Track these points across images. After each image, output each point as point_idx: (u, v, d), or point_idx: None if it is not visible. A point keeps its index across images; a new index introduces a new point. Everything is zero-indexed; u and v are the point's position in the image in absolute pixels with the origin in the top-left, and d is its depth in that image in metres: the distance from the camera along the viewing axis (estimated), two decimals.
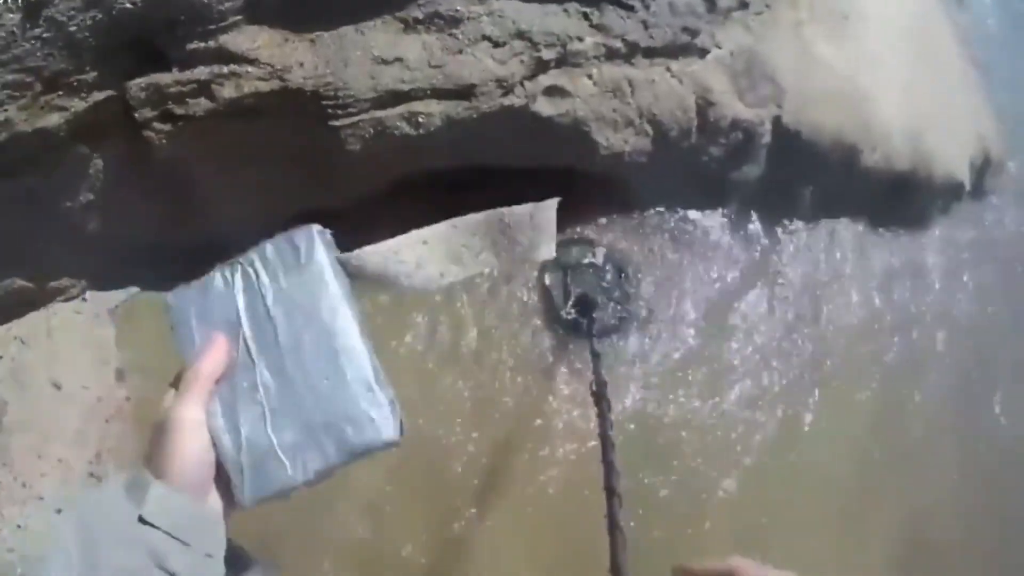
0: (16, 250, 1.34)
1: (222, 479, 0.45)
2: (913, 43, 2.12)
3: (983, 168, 2.19)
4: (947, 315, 1.97)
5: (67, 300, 1.42)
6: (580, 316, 1.58)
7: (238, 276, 0.47)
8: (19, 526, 1.38)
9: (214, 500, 0.46)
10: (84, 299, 1.43)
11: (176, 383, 0.48)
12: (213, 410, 0.46)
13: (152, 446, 0.45)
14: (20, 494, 1.38)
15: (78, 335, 1.40)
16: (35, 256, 1.35)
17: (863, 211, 1.98)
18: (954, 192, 2.07)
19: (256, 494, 0.44)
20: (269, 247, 0.47)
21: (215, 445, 0.45)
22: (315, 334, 0.46)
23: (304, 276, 0.46)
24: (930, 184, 1.97)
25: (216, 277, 0.47)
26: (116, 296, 1.45)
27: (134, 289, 1.46)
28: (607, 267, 1.68)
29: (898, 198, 1.96)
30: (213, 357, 0.47)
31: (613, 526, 0.88)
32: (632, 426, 1.59)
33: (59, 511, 1.38)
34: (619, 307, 1.66)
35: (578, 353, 1.59)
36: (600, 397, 1.23)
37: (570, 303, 1.60)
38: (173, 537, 0.43)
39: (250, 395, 0.46)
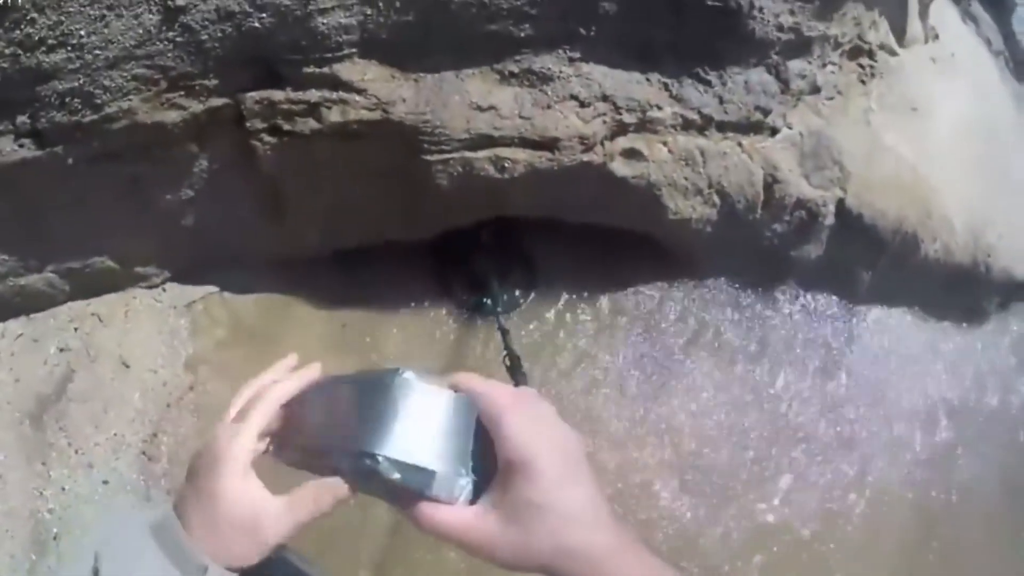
0: (111, 231, 1.44)
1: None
2: (980, 139, 2.15)
3: None
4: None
5: (149, 288, 1.51)
6: (483, 296, 1.64)
7: None
8: (64, 489, 1.45)
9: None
10: (164, 290, 1.52)
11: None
12: None
13: (229, 520, 0.46)
14: (72, 459, 1.46)
15: (153, 322, 1.49)
16: (127, 240, 1.45)
17: (920, 300, 1.98)
18: (1013, 290, 2.06)
19: None
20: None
21: None
22: None
23: None
24: (988, 279, 1.97)
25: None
26: (195, 292, 1.53)
27: (213, 289, 1.55)
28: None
29: (955, 291, 1.96)
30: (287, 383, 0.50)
31: None
32: None
33: (105, 482, 1.45)
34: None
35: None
36: (515, 370, 1.29)
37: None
38: None
39: None
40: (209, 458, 0.48)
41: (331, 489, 0.48)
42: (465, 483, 0.46)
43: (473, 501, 0.46)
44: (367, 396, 0.48)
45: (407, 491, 0.45)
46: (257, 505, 0.47)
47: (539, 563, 0.43)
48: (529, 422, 0.45)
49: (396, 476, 0.45)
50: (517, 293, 1.71)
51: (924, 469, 1.79)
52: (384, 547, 1.42)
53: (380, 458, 0.45)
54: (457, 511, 0.45)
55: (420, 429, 0.46)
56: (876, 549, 1.66)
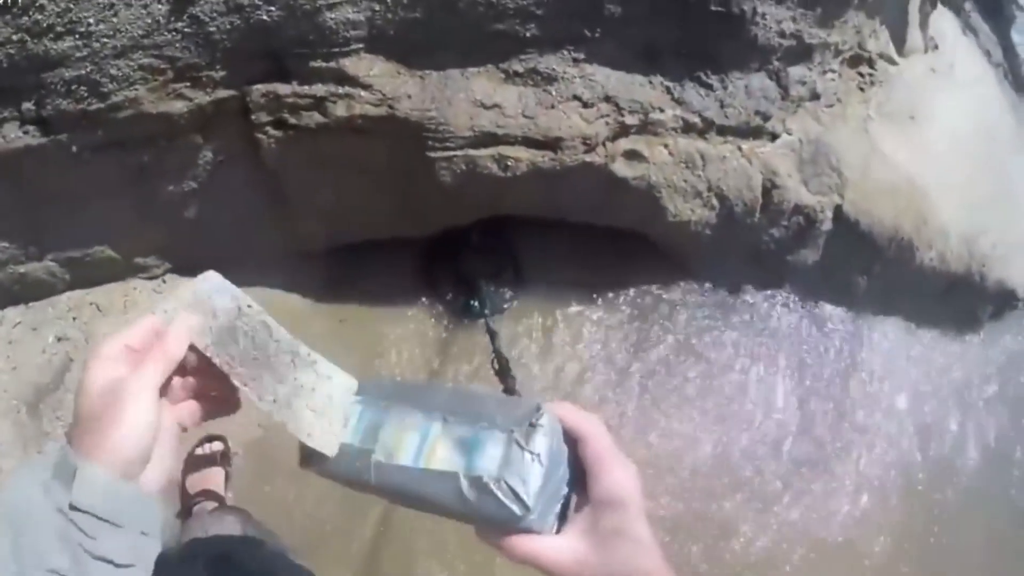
0: (113, 220, 1.44)
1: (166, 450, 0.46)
2: (977, 149, 2.18)
3: None
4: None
5: (149, 278, 1.51)
6: (471, 298, 1.63)
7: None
8: None
9: (151, 474, 0.45)
10: (164, 281, 1.52)
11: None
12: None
13: (89, 406, 0.43)
14: None
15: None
16: (129, 230, 1.45)
17: (914, 308, 2.00)
18: (1006, 299, 2.09)
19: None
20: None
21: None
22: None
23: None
24: (982, 289, 1.99)
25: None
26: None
27: None
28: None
29: (950, 299, 1.99)
30: (180, 341, 0.47)
31: None
32: None
33: None
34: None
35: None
36: (504, 373, 1.30)
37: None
38: (104, 520, 0.42)
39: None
40: (102, 391, 0.45)
41: (179, 327, 0.47)
42: (557, 513, 0.48)
43: (557, 526, 0.49)
44: (492, 419, 0.47)
45: (501, 523, 0.46)
46: (111, 381, 0.44)
47: None
48: (627, 468, 0.49)
49: (509, 512, 0.45)
50: (505, 294, 1.70)
51: None
52: (370, 546, 1.43)
53: (498, 492, 0.45)
54: (548, 540, 0.48)
55: (542, 467, 0.46)
56: None
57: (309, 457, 0.51)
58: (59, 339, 1.51)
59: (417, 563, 1.42)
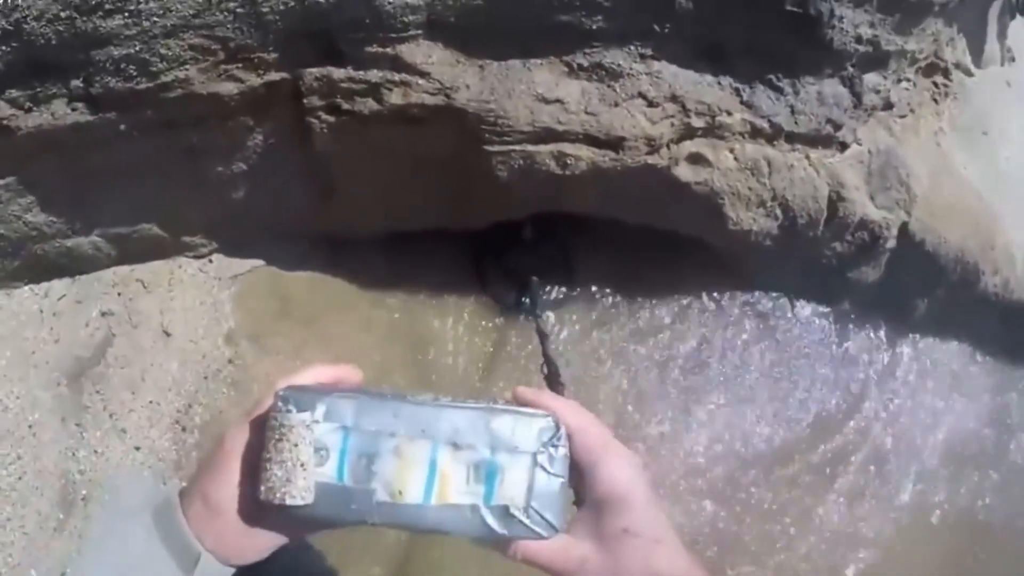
0: (161, 199, 1.43)
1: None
2: None
3: None
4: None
5: (195, 257, 1.50)
6: (523, 294, 1.57)
7: None
8: (96, 452, 1.45)
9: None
10: (210, 260, 1.51)
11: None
12: None
13: (207, 469, 0.49)
14: (106, 423, 1.46)
15: (197, 292, 1.48)
16: (176, 209, 1.44)
17: (972, 334, 1.91)
18: None
19: None
20: None
21: None
22: None
23: None
24: None
25: None
26: (241, 264, 1.52)
27: (259, 263, 1.53)
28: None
29: (1010, 329, 1.89)
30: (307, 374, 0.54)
31: None
32: None
33: (137, 449, 1.45)
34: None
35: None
36: (553, 379, 1.25)
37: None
38: None
39: None
40: (218, 447, 0.50)
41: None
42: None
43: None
44: (508, 441, 0.45)
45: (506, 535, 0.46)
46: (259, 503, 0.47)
47: None
48: (623, 458, 0.48)
49: (536, 535, 0.45)
50: (557, 292, 1.66)
51: None
52: (401, 544, 1.40)
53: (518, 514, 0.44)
54: (555, 543, 0.47)
55: (565, 486, 0.47)
56: None
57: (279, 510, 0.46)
58: (103, 313, 1.51)
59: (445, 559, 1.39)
